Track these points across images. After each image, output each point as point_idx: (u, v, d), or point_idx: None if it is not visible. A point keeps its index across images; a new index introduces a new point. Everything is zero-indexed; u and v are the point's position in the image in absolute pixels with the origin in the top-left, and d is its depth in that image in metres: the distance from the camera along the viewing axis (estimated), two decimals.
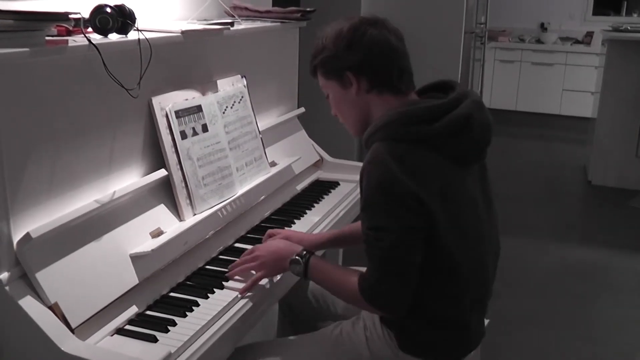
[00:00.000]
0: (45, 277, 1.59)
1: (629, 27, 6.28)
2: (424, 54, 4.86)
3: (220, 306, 1.86)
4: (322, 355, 1.99)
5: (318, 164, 3.13)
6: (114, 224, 1.86)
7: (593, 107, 7.27)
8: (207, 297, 1.90)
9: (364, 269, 1.80)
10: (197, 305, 1.86)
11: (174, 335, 1.70)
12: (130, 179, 2.00)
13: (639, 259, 4.70)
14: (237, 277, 2.00)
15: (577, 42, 9.07)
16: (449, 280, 1.81)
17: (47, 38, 1.65)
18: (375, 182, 1.71)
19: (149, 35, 1.91)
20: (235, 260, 2.09)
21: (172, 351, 1.62)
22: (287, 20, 2.85)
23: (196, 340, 1.71)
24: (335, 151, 3.25)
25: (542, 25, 9.28)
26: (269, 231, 2.27)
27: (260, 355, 2.00)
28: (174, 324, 1.75)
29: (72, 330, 1.58)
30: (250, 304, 1.91)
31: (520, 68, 9.13)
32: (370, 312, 1.91)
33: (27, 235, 1.58)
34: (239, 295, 1.92)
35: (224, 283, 1.98)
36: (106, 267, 1.77)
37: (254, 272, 2.00)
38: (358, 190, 2.90)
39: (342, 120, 1.98)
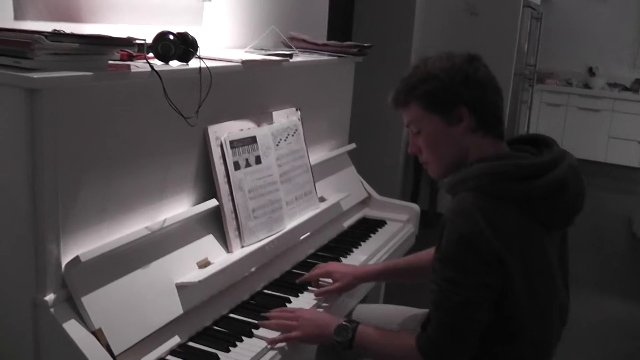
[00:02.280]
0: (90, 301, 1.57)
1: None
2: None
3: (264, 343, 1.82)
4: None
5: (365, 201, 3.10)
6: (162, 252, 1.83)
7: None
8: (251, 333, 1.86)
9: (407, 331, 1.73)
10: (241, 340, 1.82)
11: None
12: (180, 207, 1.97)
13: None
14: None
15: (625, 88, 8.92)
16: (511, 344, 1.73)
17: (109, 62, 1.65)
18: (458, 235, 1.62)
19: (209, 63, 1.89)
20: (279, 296, 2.07)
21: None
22: (344, 55, 2.83)
23: None
24: (376, 189, 3.21)
25: (590, 69, 9.14)
26: (318, 265, 2.24)
27: None
28: (217, 358, 1.72)
29: (114, 358, 1.56)
30: (294, 344, 1.88)
31: (566, 112, 9.01)
32: None
33: (77, 258, 1.56)
34: (268, 346, 1.84)
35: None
36: (152, 294, 1.74)
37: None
38: (405, 230, 2.92)
39: (426, 159, 1.83)
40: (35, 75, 1.42)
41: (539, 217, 1.69)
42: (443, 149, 1.79)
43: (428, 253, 2.19)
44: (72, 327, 1.53)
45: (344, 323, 1.84)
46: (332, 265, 2.25)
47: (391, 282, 2.29)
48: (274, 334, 1.87)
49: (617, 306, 4.61)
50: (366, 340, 1.82)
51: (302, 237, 2.44)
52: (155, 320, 1.71)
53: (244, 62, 2.09)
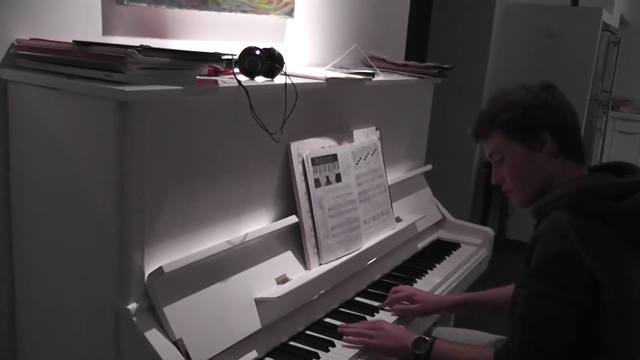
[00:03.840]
0: (172, 312, 1.58)
1: None
2: None
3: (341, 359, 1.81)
4: None
5: (440, 223, 3.07)
6: (242, 266, 1.84)
7: None
8: (328, 351, 1.85)
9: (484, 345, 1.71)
10: (318, 357, 1.81)
11: None
12: (261, 223, 1.98)
13: None
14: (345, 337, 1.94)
15: None
16: None
17: (197, 77, 1.67)
18: (553, 251, 1.62)
19: (293, 80, 1.90)
20: (354, 315, 2.05)
21: None
22: (424, 76, 2.82)
23: None
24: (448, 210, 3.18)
25: None
26: (394, 288, 2.22)
27: None
28: None
29: None
30: (372, 353, 1.88)
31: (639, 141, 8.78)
32: None
33: (160, 269, 1.58)
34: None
35: (344, 337, 1.93)
36: (231, 308, 1.74)
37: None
38: (479, 254, 2.88)
39: (511, 187, 1.85)
40: (127, 88, 1.44)
41: (628, 237, 1.68)
42: (527, 175, 1.80)
43: (508, 290, 2.16)
44: (154, 336, 1.54)
45: (422, 336, 1.85)
46: (413, 289, 2.25)
47: (470, 314, 2.26)
48: (353, 350, 1.88)
49: None
50: (443, 354, 1.81)
51: (378, 257, 2.42)
52: (234, 334, 1.71)
53: (327, 80, 2.09)
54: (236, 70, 1.80)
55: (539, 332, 1.63)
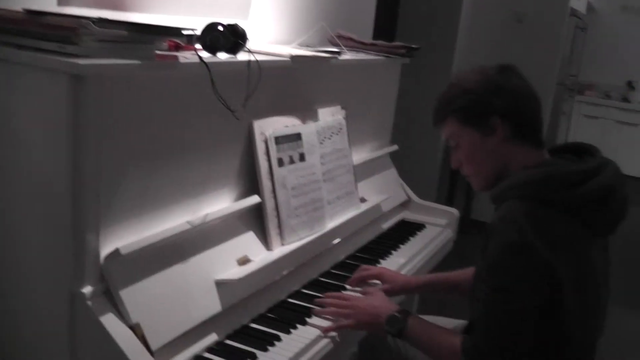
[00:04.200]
0: (129, 295, 1.54)
1: None
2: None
3: (303, 343, 1.78)
4: None
5: (405, 204, 3.05)
6: (202, 247, 1.79)
7: None
8: (290, 332, 1.82)
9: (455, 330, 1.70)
10: (279, 339, 1.78)
11: None
12: (222, 203, 1.94)
13: None
14: (321, 315, 1.92)
15: None
16: (558, 354, 1.70)
17: (156, 52, 1.61)
18: (508, 244, 1.60)
19: (257, 57, 1.85)
20: (318, 296, 2.02)
21: None
22: (391, 56, 2.78)
23: None
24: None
25: (629, 83, 8.98)
26: (363, 266, 2.20)
27: None
28: (255, 357, 1.68)
29: (151, 353, 1.51)
30: (332, 345, 1.84)
31: (604, 125, 8.87)
32: None
33: (116, 251, 1.53)
34: (323, 334, 1.83)
35: (307, 319, 1.90)
36: (191, 290, 1.70)
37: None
38: (444, 235, 2.87)
39: (469, 172, 1.85)
40: (81, 61, 1.38)
41: (588, 223, 1.67)
42: (481, 160, 1.80)
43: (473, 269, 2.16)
44: (110, 321, 1.49)
45: (395, 314, 1.83)
46: (382, 269, 2.23)
47: (438, 296, 2.25)
48: (320, 325, 1.87)
49: None
50: (415, 333, 1.80)
51: (342, 238, 2.39)
52: (194, 317, 1.67)
53: (293, 58, 2.04)
54: (198, 46, 1.75)
55: (502, 326, 1.61)
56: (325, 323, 1.88)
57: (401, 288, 2.17)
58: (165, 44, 1.68)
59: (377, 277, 2.18)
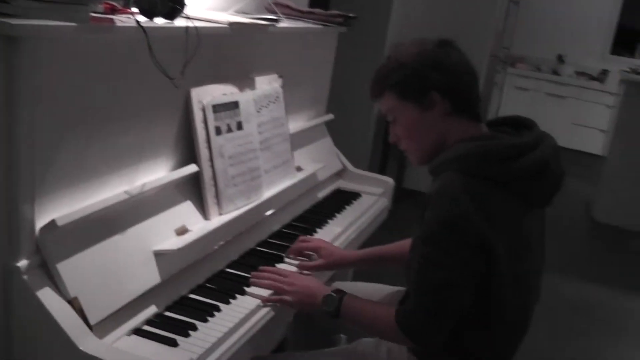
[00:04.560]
0: (66, 268, 1.49)
1: None
2: None
3: (242, 313, 1.77)
4: None
5: (340, 173, 3.05)
6: (140, 218, 1.76)
7: (602, 145, 7.22)
8: (229, 303, 1.81)
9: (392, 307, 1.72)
10: (219, 310, 1.76)
11: (195, 341, 1.61)
12: (159, 172, 1.90)
13: (636, 301, 4.71)
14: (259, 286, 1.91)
15: (593, 78, 9.03)
16: (493, 325, 1.74)
17: (91, 15, 1.55)
18: (444, 217, 1.61)
19: (196, 23, 1.81)
20: (256, 267, 2.01)
21: (194, 358, 1.53)
22: (328, 24, 2.76)
23: (218, 347, 1.62)
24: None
25: (559, 57, 9.21)
26: (302, 237, 2.20)
27: None
28: (195, 328, 1.66)
29: (90, 327, 1.48)
30: (273, 313, 1.84)
31: (534, 97, 9.08)
32: (402, 344, 1.82)
33: (53, 222, 1.48)
34: (262, 303, 1.82)
35: (245, 288, 1.89)
36: (129, 262, 1.67)
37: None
38: (379, 203, 2.89)
39: (407, 147, 1.84)
40: (14, 21, 1.32)
41: (524, 196, 1.70)
42: (420, 135, 1.79)
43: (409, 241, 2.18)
44: (47, 296, 1.45)
45: (331, 293, 1.82)
46: (321, 242, 2.21)
47: (374, 269, 2.26)
48: (260, 295, 1.86)
49: (574, 288, 4.69)
50: (352, 311, 1.80)
51: (278, 207, 2.38)
52: (133, 289, 1.64)
53: (231, 25, 2.01)
54: (134, 9, 1.70)
55: (434, 297, 1.63)
56: (264, 293, 1.88)
57: (337, 263, 2.17)
58: (100, 6, 1.62)
59: (314, 250, 2.17)
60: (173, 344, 1.58)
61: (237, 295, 1.85)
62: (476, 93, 1.79)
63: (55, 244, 1.49)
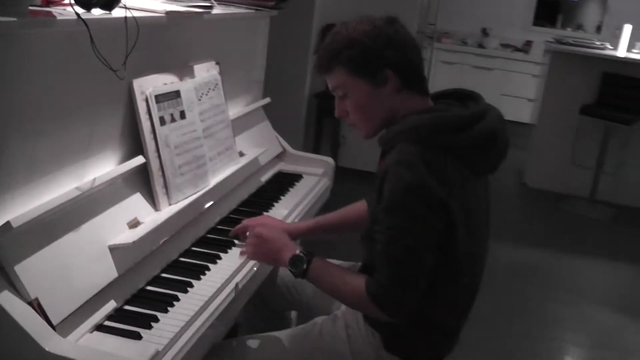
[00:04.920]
0: (24, 270, 1.47)
1: (571, 41, 6.46)
2: None
3: (201, 300, 1.77)
4: (302, 353, 1.93)
5: (280, 156, 3.06)
6: (92, 213, 1.74)
7: (531, 113, 7.41)
8: (187, 291, 1.81)
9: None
10: (178, 299, 1.77)
11: (158, 332, 1.61)
12: (107, 166, 1.88)
13: (570, 259, 4.91)
14: (217, 271, 1.93)
15: (517, 49, 9.25)
16: (450, 287, 1.81)
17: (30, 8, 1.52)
18: (405, 185, 1.65)
19: (134, 13, 1.79)
20: (208, 253, 2.04)
21: (160, 349, 1.53)
22: (260, 8, 2.76)
23: (181, 336, 1.63)
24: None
25: (484, 30, 9.40)
26: (251, 219, 2.18)
27: (238, 352, 1.93)
28: (156, 319, 1.66)
29: (53, 328, 1.46)
30: (231, 297, 1.85)
31: (461, 70, 9.25)
32: (371, 315, 1.85)
33: (7, 224, 1.44)
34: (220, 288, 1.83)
35: (201, 276, 1.90)
36: (86, 259, 1.65)
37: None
38: (322, 183, 2.91)
39: (357, 121, 1.85)
40: None
41: (474, 164, 1.76)
42: (371, 110, 1.82)
43: (355, 207, 2.23)
44: (7, 299, 1.42)
45: (299, 254, 1.83)
46: (263, 219, 2.22)
47: (320, 239, 2.27)
48: (215, 281, 1.89)
49: (508, 250, 4.86)
50: (319, 274, 1.82)
51: (224, 193, 2.38)
52: (92, 285, 1.63)
53: (167, 13, 1.99)
54: (70, 1, 1.67)
55: (402, 263, 1.67)
56: (220, 277, 1.90)
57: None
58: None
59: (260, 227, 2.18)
60: (137, 337, 1.58)
61: (194, 283, 1.86)
62: (423, 69, 1.84)
63: (11, 246, 1.46)
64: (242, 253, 1.98)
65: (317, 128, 5.75)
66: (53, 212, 1.59)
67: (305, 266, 1.81)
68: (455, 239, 1.72)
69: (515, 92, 9.06)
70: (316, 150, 5.63)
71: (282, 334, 1.99)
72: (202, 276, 1.90)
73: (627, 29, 6.26)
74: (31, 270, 1.48)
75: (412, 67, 1.80)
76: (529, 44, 9.16)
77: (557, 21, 9.49)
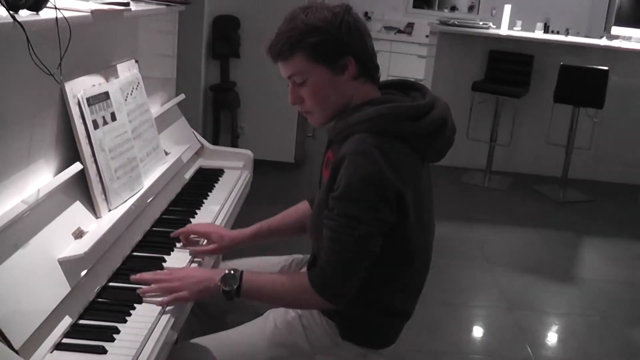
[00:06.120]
0: None
1: (455, 22, 6.66)
2: (263, 30, 4.80)
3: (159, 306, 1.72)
4: (261, 348, 1.91)
5: (199, 152, 3.00)
6: (37, 227, 1.64)
7: None
8: (141, 302, 1.74)
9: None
10: (133, 307, 1.70)
11: (123, 343, 1.55)
12: (45, 174, 1.78)
13: (476, 229, 5.15)
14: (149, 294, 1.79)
15: (400, 31, 9.43)
16: (404, 271, 1.86)
17: None
18: (362, 174, 1.66)
19: (63, 13, 1.70)
20: (152, 257, 1.99)
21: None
22: (170, 4, 2.69)
23: (147, 342, 1.58)
24: None
25: (366, 14, 9.54)
26: (190, 227, 2.14)
27: (196, 353, 1.88)
28: (117, 331, 1.59)
29: (16, 352, 1.38)
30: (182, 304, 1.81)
31: None
32: (314, 308, 1.87)
33: None
34: (162, 309, 1.72)
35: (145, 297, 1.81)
36: (37, 276, 1.56)
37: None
38: (244, 176, 2.88)
39: (312, 108, 1.83)
40: None
41: (424, 152, 1.81)
42: (328, 97, 1.82)
43: (297, 208, 2.23)
44: None
45: (229, 272, 1.79)
46: (209, 226, 2.19)
47: (266, 243, 2.23)
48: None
49: (444, 227, 4.96)
50: (255, 286, 1.79)
51: (156, 194, 2.31)
52: (47, 303, 1.54)
53: (93, 12, 1.90)
54: None
55: (350, 251, 1.69)
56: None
57: (229, 245, 2.14)
58: None
59: (204, 236, 2.14)
60: (102, 351, 1.51)
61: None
62: (376, 57, 1.86)
63: None
64: (174, 299, 1.77)
65: (215, 120, 5.68)
66: (2, 229, 1.49)
67: (238, 281, 1.77)
68: (409, 227, 1.76)
69: (402, 73, 9.19)
70: (215, 142, 5.57)
71: (238, 330, 1.96)
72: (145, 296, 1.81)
73: (507, 8, 6.58)
74: None
75: (368, 55, 1.82)
76: (410, 25, 9.38)
77: (434, 3, 9.87)
